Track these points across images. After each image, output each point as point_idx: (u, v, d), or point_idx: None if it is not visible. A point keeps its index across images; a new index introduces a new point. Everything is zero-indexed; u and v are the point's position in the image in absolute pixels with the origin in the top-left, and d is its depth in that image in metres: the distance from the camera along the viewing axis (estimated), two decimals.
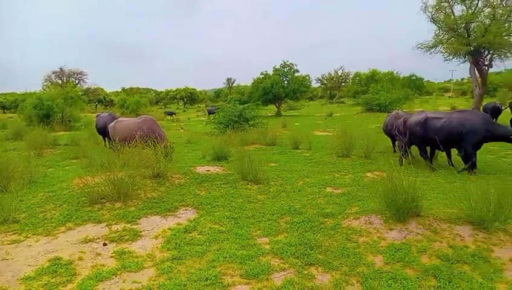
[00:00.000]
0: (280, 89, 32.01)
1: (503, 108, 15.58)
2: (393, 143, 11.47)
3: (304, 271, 3.78)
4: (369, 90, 35.00)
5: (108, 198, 5.88)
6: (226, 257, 4.08)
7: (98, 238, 4.68)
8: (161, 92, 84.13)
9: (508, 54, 14.59)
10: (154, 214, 5.50)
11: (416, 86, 57.71)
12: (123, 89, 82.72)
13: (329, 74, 59.85)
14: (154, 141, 7.75)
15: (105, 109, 50.05)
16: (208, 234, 4.80)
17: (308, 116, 29.85)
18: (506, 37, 13.46)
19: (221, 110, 19.16)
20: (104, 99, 59.48)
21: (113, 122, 10.31)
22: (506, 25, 13.16)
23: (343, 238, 4.55)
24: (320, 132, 18.57)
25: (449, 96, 55.48)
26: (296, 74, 34.04)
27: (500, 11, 13.10)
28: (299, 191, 6.85)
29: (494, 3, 13.38)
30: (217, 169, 8.41)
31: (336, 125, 19.81)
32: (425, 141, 8.73)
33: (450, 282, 3.48)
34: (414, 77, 58.93)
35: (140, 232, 4.88)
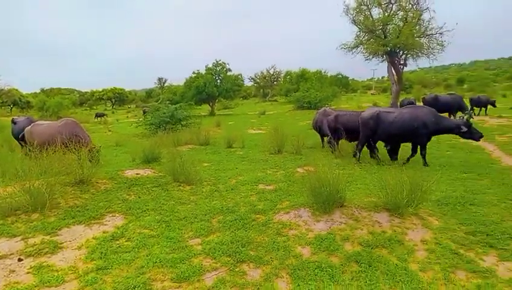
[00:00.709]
0: (213, 88, 31.91)
1: (416, 103, 17.38)
2: (322, 139, 12.03)
3: (235, 269, 3.81)
4: (300, 88, 36.32)
5: (23, 209, 5.37)
6: (156, 262, 3.97)
7: (12, 254, 4.26)
8: (86, 92, 78.95)
9: (420, 54, 16.15)
10: (77, 224, 5.14)
11: (342, 84, 61.15)
12: (42, 90, 76.18)
13: (261, 72, 60.99)
14: (77, 145, 7.25)
15: (22, 112, 45.63)
16: (137, 240, 4.62)
17: (242, 115, 30.17)
18: (417, 39, 14.88)
19: (152, 110, 18.55)
20: (20, 101, 54.17)
21: (29, 126, 9.43)
22: (416, 27, 14.55)
23: (274, 233, 4.66)
24: (253, 130, 18.86)
25: (371, 94, 59.63)
26: (229, 73, 34.16)
27: (411, 15, 14.43)
28: (232, 189, 6.88)
29: (407, 7, 14.71)
30: (148, 172, 8.13)
31: (269, 123, 20.29)
32: (377, 135, 8.97)
33: (370, 266, 3.76)
34: (340, 76, 62.42)
35: (61, 243, 4.54)
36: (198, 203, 6.11)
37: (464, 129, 8.20)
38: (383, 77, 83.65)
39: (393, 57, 15.79)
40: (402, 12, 14.80)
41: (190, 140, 13.16)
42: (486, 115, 18.63)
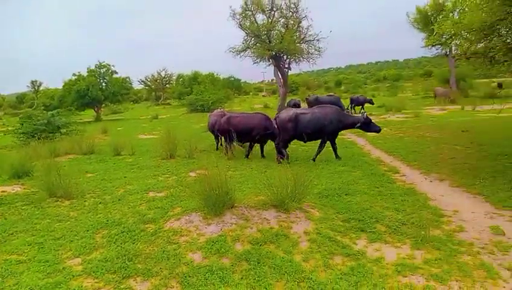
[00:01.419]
0: (98, 92, 29.57)
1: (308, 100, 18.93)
2: (217, 141, 12.09)
3: (121, 286, 3.56)
4: (193, 91, 36.07)
5: None
6: None
7: None
8: None
9: (301, 59, 17.53)
10: None
11: (235, 86, 62.74)
12: None
13: (152, 75, 58.81)
14: None
15: None
16: (2, 268, 3.98)
17: (133, 120, 28.65)
18: (298, 44, 16.10)
19: (23, 118, 16.32)
20: None
21: None
22: (297, 33, 15.74)
23: (164, 242, 4.50)
24: (145, 135, 18.05)
25: (263, 96, 62.46)
26: (115, 76, 32.07)
27: (292, 22, 15.57)
28: (119, 200, 6.44)
29: (287, 14, 15.82)
30: (17, 188, 7.11)
31: (161, 127, 19.57)
32: (296, 134, 9.36)
33: (258, 263, 3.89)
34: (233, 78, 63.92)
35: None
36: (80, 218, 5.56)
37: (366, 122, 9.15)
38: (272, 80, 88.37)
39: (278, 61, 16.80)
40: (283, 19, 15.88)
41: (71, 149, 11.94)
42: (364, 112, 21.18)
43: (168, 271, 3.79)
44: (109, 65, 32.02)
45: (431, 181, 7.20)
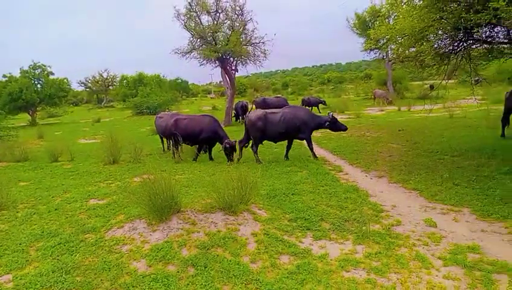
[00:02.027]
0: (33, 94, 27.48)
1: (250, 105, 19.01)
2: (168, 143, 11.62)
3: None
4: (139, 93, 34.88)
5: None
6: None
7: None
8: None
9: (248, 61, 17.66)
10: None
11: (182, 88, 61.71)
12: None
13: (93, 76, 55.86)
14: None
15: None
16: None
17: (72, 124, 27.05)
18: (244, 46, 16.21)
19: None
20: None
21: None
22: (242, 36, 15.84)
23: (105, 252, 4.28)
24: (86, 139, 17.16)
25: (211, 98, 62.05)
26: (52, 77, 30.04)
27: (237, 24, 15.64)
28: (55, 210, 6.01)
29: (233, 17, 15.86)
30: None
31: (104, 131, 18.68)
32: (265, 135, 9.38)
33: (205, 267, 3.83)
34: (180, 80, 62.80)
35: None
36: (11, 231, 5.12)
37: (333, 121, 9.34)
38: (220, 81, 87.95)
39: (225, 63, 16.77)
40: (229, 22, 15.91)
41: (2, 156, 11.02)
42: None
43: (109, 283, 3.61)
44: (45, 66, 29.93)
45: (371, 178, 7.59)
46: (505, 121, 9.94)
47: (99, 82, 55.69)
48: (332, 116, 9.50)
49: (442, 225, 4.96)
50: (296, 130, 9.31)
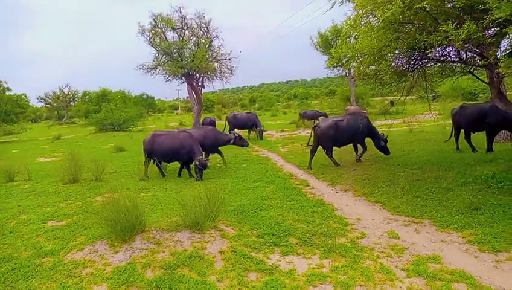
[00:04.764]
0: None
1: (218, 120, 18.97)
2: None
3: None
4: (102, 109, 33.99)
5: None
6: None
7: None
8: None
9: (214, 77, 17.72)
10: None
11: (148, 104, 60.75)
12: None
13: (53, 92, 53.84)
14: None
15: None
16: None
17: (31, 141, 25.80)
18: (211, 63, 16.28)
19: None
20: None
21: None
22: (208, 52, 15.91)
23: (64, 276, 4.06)
24: (45, 158, 16.38)
25: (178, 113, 61.47)
26: (8, 93, 28.68)
27: (203, 41, 15.70)
28: (10, 233, 5.66)
29: (198, 33, 15.92)
30: None
31: (65, 148, 17.97)
32: (335, 141, 10.17)
33: (170, 289, 3.72)
34: (145, 96, 61.87)
35: None
36: None
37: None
38: (187, 97, 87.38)
39: (191, 79, 16.72)
40: (195, 38, 15.95)
41: None
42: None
43: None
44: (0, 81, 28.58)
45: (337, 192, 7.73)
46: (457, 136, 10.52)
47: (60, 98, 53.77)
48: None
49: (405, 236, 5.12)
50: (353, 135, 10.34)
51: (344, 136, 10.16)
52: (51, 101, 54.75)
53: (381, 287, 3.75)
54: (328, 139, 10.09)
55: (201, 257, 4.39)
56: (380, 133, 10.49)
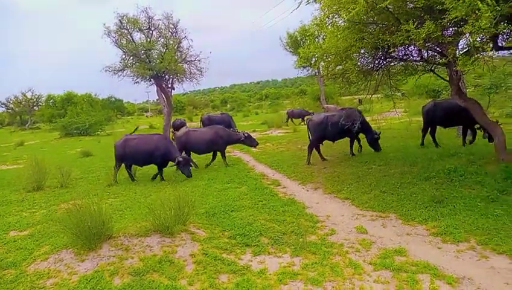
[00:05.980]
0: None
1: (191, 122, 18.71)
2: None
3: None
4: (68, 113, 32.86)
5: None
6: None
7: None
8: None
9: (184, 78, 17.49)
10: None
11: (116, 107, 59.26)
12: None
13: (15, 97, 51.51)
14: None
15: None
16: None
17: None
18: (180, 64, 16.05)
19: None
20: None
21: None
22: (177, 53, 15.69)
23: (27, 288, 3.89)
24: (6, 165, 15.64)
25: (148, 116, 60.33)
26: None
27: (172, 42, 15.48)
28: None
29: (167, 34, 15.66)
30: None
31: (28, 154, 17.21)
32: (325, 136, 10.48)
33: None
34: (113, 99, 60.32)
35: None
36: None
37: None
38: (157, 99, 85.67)
39: (160, 81, 16.41)
40: (163, 39, 15.69)
41: None
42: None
43: None
44: None
45: (307, 190, 7.84)
46: (425, 132, 10.85)
47: (23, 103, 51.51)
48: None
49: (372, 231, 5.25)
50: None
51: (335, 131, 10.26)
52: (12, 106, 52.36)
53: (350, 282, 3.83)
54: (319, 132, 10.38)
55: (171, 261, 4.33)
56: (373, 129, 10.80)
